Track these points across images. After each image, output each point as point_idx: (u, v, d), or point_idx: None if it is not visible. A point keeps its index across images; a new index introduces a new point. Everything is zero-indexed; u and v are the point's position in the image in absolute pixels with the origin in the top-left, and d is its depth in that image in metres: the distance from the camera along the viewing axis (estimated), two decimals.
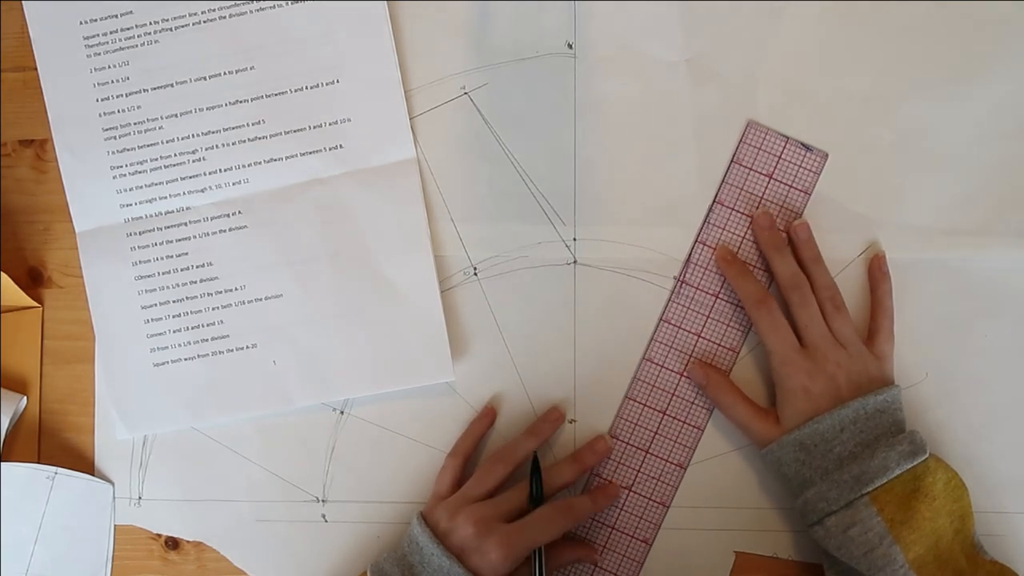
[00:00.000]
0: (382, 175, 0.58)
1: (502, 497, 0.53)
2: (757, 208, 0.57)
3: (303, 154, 0.59)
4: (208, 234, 0.59)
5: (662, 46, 0.58)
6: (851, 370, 0.53)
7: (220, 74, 0.59)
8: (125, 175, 0.59)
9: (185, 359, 0.59)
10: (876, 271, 0.56)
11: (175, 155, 0.59)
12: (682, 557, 0.57)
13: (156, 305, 0.59)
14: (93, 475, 0.60)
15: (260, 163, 0.59)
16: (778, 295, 0.55)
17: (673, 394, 0.57)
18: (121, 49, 0.59)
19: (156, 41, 0.59)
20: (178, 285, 0.59)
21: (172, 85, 0.59)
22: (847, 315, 0.54)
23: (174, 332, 0.59)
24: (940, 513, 0.49)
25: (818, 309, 0.54)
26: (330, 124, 0.58)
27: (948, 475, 0.51)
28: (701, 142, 0.57)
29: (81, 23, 0.59)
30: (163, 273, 0.59)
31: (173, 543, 0.60)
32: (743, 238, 0.57)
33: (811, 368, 0.53)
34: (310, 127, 0.58)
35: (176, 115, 0.59)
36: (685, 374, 0.57)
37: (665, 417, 0.57)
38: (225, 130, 0.59)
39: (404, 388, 0.58)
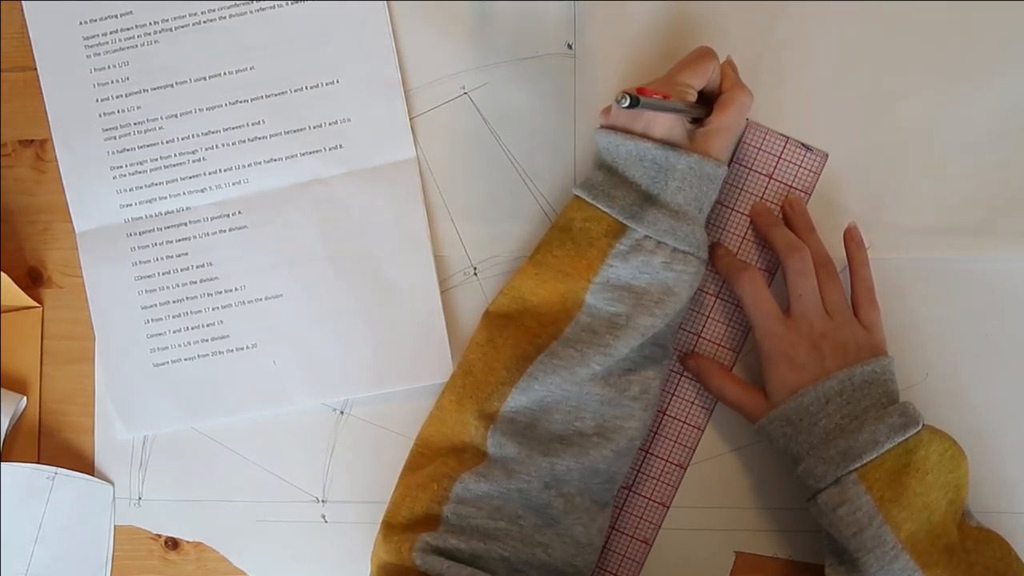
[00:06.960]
0: (382, 175, 0.58)
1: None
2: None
3: (303, 154, 0.59)
4: (208, 234, 0.59)
5: (662, 46, 0.58)
6: (836, 339, 0.51)
7: (220, 74, 0.59)
8: (125, 175, 0.59)
9: (185, 359, 0.59)
10: (850, 242, 0.55)
11: (175, 155, 0.59)
12: (682, 557, 0.57)
13: (156, 305, 0.59)
14: (93, 475, 0.60)
15: (260, 163, 0.59)
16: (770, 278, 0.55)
17: (673, 394, 0.57)
18: (121, 49, 0.59)
19: (156, 41, 0.59)
20: (178, 285, 0.59)
21: (172, 85, 0.59)
22: (839, 284, 0.53)
23: (174, 332, 0.59)
24: (932, 487, 0.48)
25: (816, 280, 0.52)
26: (330, 124, 0.58)
27: (944, 445, 0.49)
28: None
29: (81, 23, 0.59)
30: (163, 273, 0.59)
31: (173, 543, 0.60)
32: (743, 238, 0.57)
33: (794, 338, 0.51)
34: (310, 127, 0.58)
35: (176, 115, 0.59)
36: (685, 374, 0.57)
37: (665, 417, 0.57)
38: (225, 130, 0.59)
39: (404, 388, 0.58)
